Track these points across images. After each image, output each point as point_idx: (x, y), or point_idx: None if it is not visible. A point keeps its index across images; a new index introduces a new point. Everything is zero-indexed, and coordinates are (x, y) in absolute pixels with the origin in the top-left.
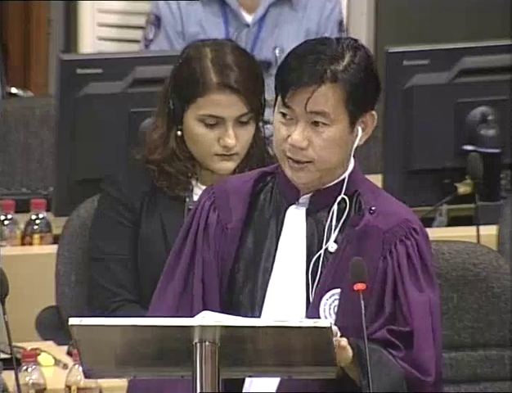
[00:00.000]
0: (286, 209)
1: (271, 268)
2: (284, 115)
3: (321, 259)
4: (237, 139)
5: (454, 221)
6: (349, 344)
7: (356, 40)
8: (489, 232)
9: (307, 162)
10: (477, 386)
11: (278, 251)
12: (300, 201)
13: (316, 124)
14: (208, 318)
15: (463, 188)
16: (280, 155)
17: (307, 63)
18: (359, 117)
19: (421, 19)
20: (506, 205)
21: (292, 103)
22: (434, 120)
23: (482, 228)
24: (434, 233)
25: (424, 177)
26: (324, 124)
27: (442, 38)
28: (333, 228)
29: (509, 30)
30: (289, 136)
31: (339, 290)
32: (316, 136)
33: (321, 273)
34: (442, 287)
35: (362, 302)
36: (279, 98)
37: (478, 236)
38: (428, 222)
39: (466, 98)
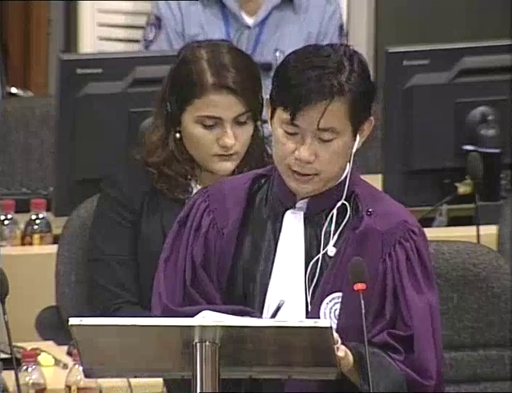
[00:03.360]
0: (283, 213)
1: (270, 272)
2: (289, 131)
3: (320, 263)
4: (236, 139)
5: (454, 221)
6: (349, 349)
7: (348, 46)
8: (489, 232)
9: (314, 174)
10: (477, 386)
11: (277, 255)
12: (297, 205)
13: (323, 138)
14: (209, 318)
15: (463, 188)
16: (283, 168)
17: (312, 79)
18: (361, 126)
19: (421, 19)
20: (506, 205)
21: (300, 121)
22: (434, 120)
23: (482, 228)
24: (434, 233)
25: (424, 177)
26: (331, 138)
27: (442, 38)
28: (332, 231)
29: (509, 30)
30: (294, 150)
31: (339, 293)
32: (323, 149)
33: (321, 276)
34: (442, 287)
35: (362, 302)
36: (281, 114)
37: (478, 236)
38: (428, 222)
39: (466, 98)
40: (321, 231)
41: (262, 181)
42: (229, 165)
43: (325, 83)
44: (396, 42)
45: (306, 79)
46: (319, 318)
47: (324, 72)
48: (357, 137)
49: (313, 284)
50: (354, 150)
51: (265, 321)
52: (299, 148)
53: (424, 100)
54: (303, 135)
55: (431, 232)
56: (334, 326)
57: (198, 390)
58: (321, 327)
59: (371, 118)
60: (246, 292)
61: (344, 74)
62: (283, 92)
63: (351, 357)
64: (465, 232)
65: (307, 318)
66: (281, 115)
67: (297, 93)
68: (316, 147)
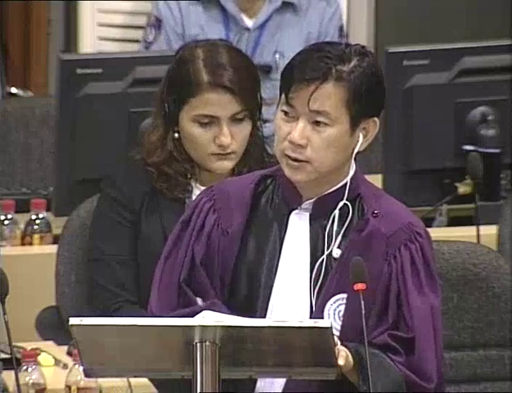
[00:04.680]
0: (289, 213)
1: (275, 273)
2: (286, 113)
3: (325, 264)
4: (233, 137)
5: (454, 221)
6: (349, 349)
7: (364, 46)
8: (489, 232)
9: (305, 161)
10: (477, 386)
11: (282, 256)
12: (303, 206)
13: (316, 123)
14: (209, 318)
15: (463, 188)
16: (279, 153)
17: (312, 60)
18: (360, 121)
19: (421, 19)
20: (506, 205)
21: (294, 100)
22: (434, 120)
23: (482, 228)
24: (434, 233)
25: (424, 177)
26: (324, 123)
27: (442, 38)
28: (336, 233)
29: (509, 30)
30: (289, 133)
31: (343, 295)
32: (316, 135)
33: (326, 278)
34: (442, 287)
35: (362, 302)
36: (282, 96)
37: (478, 236)
38: (428, 222)
39: (466, 98)
40: (326, 232)
41: (268, 181)
42: (227, 164)
43: (323, 66)
44: (396, 42)
45: (306, 59)
46: (323, 319)
47: (326, 56)
48: (360, 137)
49: (318, 285)
50: (357, 149)
51: (265, 321)
52: (292, 131)
53: (424, 100)
54: (297, 117)
55: (431, 232)
56: (338, 327)
57: (198, 390)
58: (321, 328)
59: (376, 119)
60: (250, 293)
61: (348, 66)
62: (284, 74)
63: (351, 359)
64: (465, 232)
65: (310, 319)
66: (282, 98)
67: (294, 72)
68: (309, 132)
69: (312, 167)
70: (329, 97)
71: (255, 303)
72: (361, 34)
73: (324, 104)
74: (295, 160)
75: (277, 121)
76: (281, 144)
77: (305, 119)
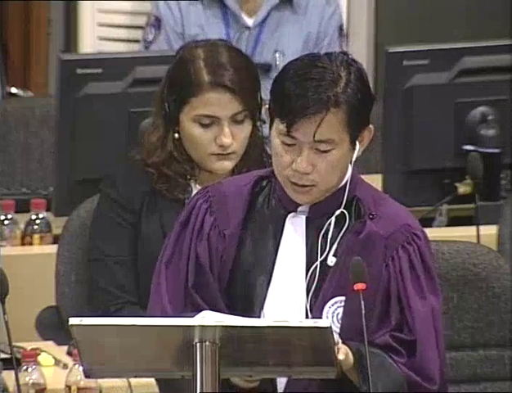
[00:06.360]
0: (285, 216)
1: (270, 277)
2: (286, 142)
3: (321, 269)
4: (233, 138)
5: (454, 221)
6: (350, 349)
7: (345, 53)
8: (489, 232)
9: (311, 186)
10: (477, 386)
11: (277, 260)
12: (299, 209)
13: (319, 148)
14: (209, 318)
15: (463, 188)
16: (282, 178)
17: (308, 91)
18: (359, 135)
19: (421, 19)
20: (506, 205)
21: (297, 133)
22: (434, 120)
23: (482, 228)
24: (434, 233)
25: (424, 177)
26: (328, 148)
27: (442, 38)
28: (332, 240)
29: (509, 30)
30: (292, 162)
31: (341, 297)
32: (320, 160)
33: (322, 282)
34: (442, 287)
35: (362, 302)
36: (278, 125)
37: (478, 236)
38: (428, 222)
39: (466, 98)
40: (322, 236)
41: (264, 183)
42: (227, 164)
43: (321, 96)
44: (396, 42)
45: (302, 91)
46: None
47: (320, 84)
48: (357, 146)
49: (313, 290)
50: (354, 158)
51: (265, 321)
52: (296, 160)
53: (424, 100)
54: (300, 146)
55: (431, 232)
56: (337, 330)
57: (198, 390)
58: (320, 327)
59: (371, 126)
60: (246, 295)
61: (340, 86)
62: (280, 103)
63: (351, 356)
64: (465, 232)
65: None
66: (278, 125)
67: (293, 106)
68: (314, 158)
69: (318, 189)
70: (331, 124)
71: (250, 306)
72: (361, 34)
73: (328, 132)
74: (302, 185)
75: (277, 148)
76: (285, 171)
77: (308, 148)
